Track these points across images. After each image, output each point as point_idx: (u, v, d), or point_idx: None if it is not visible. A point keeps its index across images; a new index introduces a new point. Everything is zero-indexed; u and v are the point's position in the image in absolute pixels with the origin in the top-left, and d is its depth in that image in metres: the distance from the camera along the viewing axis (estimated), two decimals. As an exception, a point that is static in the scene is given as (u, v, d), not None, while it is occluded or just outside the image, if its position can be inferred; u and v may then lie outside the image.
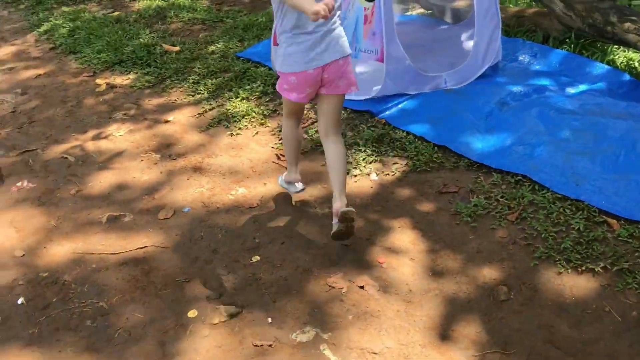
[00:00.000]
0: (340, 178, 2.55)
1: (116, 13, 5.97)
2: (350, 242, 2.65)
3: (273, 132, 3.70)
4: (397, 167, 3.23)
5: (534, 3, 4.73)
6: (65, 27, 5.68)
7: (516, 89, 3.73)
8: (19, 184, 3.37)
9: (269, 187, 3.16)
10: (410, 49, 4.48)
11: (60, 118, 4.14)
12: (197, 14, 5.84)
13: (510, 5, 4.97)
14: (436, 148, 3.34)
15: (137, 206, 3.10)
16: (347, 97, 3.91)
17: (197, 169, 3.40)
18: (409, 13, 5.32)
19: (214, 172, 3.35)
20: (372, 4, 3.34)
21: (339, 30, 2.52)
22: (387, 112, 3.66)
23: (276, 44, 4.14)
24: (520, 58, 4.26)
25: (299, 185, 2.95)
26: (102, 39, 5.25)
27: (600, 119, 3.23)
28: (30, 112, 4.27)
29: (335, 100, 2.64)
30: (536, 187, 2.92)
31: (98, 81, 4.62)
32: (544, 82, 3.89)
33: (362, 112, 3.77)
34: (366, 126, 3.62)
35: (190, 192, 3.18)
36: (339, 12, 2.54)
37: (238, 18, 5.69)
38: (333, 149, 2.61)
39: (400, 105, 3.71)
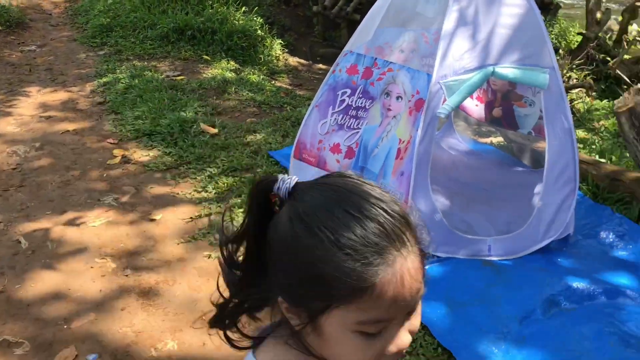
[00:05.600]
0: None
1: (180, 77, 5.65)
2: None
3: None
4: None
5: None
6: (123, 83, 5.42)
7: (578, 283, 2.78)
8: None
9: (208, 348, 2.44)
10: (467, 190, 3.67)
11: (52, 188, 3.72)
12: (258, 95, 5.36)
13: (609, 162, 4.00)
14: (440, 349, 2.46)
15: (43, 334, 2.49)
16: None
17: (144, 296, 2.75)
18: (485, 141, 4.49)
19: (157, 307, 2.68)
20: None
21: None
22: (398, 276, 2.84)
23: (298, 158, 3.51)
24: (602, 235, 3.28)
25: None
26: (147, 104, 4.89)
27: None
28: (29, 172, 3.90)
29: None
30: None
31: (116, 152, 4.20)
32: (624, 280, 2.90)
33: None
34: (365, 289, 2.81)
35: (113, 330, 2.53)
36: None
37: (299, 107, 5.15)
38: None
39: (419, 270, 2.88)
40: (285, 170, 3.89)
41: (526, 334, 2.49)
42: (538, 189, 3.64)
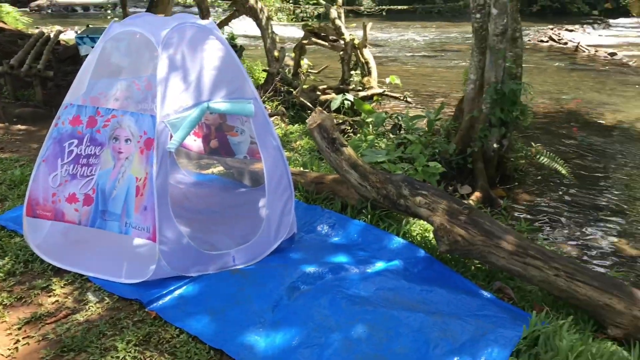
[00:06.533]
0: None
1: None
2: None
3: (10, 330, 2.89)
4: (161, 381, 2.58)
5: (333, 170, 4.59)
6: None
7: (310, 269, 3.37)
8: None
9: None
10: (202, 215, 4.04)
11: None
12: (-42, 164, 4.93)
13: (311, 170, 4.82)
14: (212, 351, 2.76)
15: None
16: (116, 279, 3.29)
17: None
18: (208, 172, 4.94)
19: None
20: None
21: None
22: (161, 302, 3.06)
23: (32, 215, 3.45)
24: (319, 228, 3.98)
25: None
26: None
27: (393, 312, 2.93)
28: None
29: None
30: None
31: None
32: (341, 258, 3.60)
33: (131, 300, 3.12)
34: (132, 321, 2.96)
35: None
36: None
37: (10, 170, 4.90)
38: None
39: (177, 292, 3.14)
40: (13, 234, 3.74)
41: (279, 318, 2.95)
42: (262, 202, 4.21)
